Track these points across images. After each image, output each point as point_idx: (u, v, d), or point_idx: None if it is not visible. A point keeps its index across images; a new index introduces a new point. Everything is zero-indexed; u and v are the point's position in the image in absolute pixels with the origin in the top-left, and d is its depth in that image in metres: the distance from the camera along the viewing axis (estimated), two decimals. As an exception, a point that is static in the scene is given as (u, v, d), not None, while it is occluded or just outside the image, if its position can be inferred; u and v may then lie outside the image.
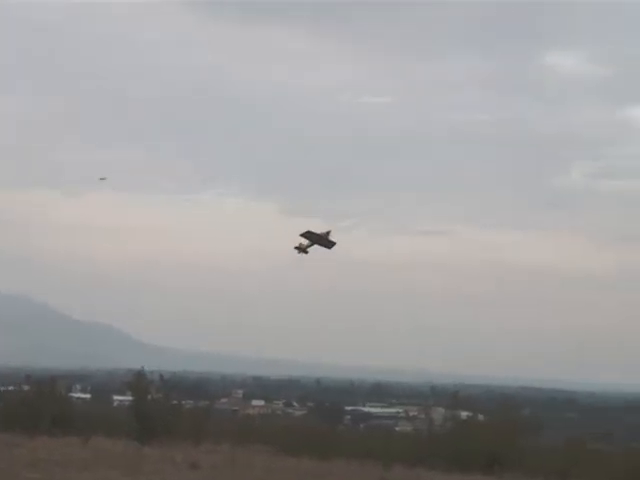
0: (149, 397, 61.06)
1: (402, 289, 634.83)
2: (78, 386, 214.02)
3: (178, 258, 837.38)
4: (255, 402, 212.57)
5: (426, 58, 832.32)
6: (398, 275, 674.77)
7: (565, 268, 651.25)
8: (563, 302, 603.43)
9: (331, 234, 60.13)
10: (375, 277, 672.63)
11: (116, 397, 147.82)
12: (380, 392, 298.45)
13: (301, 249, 61.62)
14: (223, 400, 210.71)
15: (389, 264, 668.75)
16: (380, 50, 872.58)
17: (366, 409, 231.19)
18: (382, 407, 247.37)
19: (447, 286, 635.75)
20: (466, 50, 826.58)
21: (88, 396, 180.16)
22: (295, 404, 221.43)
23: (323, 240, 61.07)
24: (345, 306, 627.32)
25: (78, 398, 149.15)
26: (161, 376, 67.77)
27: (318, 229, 64.06)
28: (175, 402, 64.22)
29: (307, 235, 60.45)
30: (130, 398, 64.04)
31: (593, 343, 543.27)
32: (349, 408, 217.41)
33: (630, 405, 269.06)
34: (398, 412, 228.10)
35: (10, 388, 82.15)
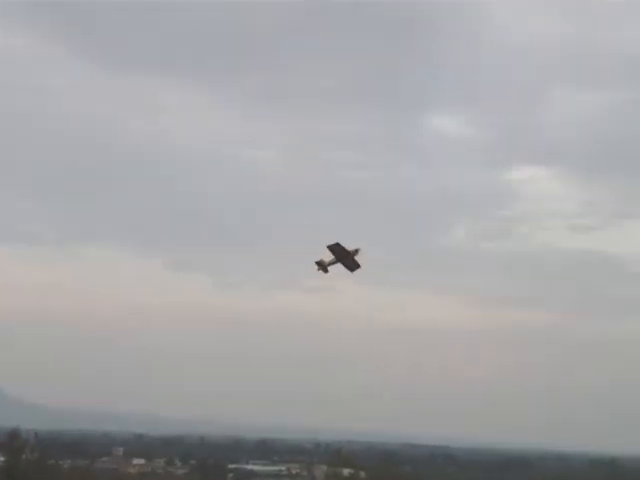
0: (23, 457, 59.53)
1: (286, 346, 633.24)
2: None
3: (57, 312, 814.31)
4: (136, 461, 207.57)
5: (312, 114, 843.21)
6: (281, 332, 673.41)
7: (445, 326, 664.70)
8: (444, 360, 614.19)
9: (359, 253, 56.89)
10: (260, 334, 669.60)
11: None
12: (264, 449, 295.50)
13: (322, 265, 58.27)
14: (104, 459, 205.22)
15: (272, 321, 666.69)
16: (268, 103, 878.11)
17: (249, 467, 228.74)
18: (265, 464, 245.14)
19: (329, 342, 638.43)
20: (353, 109, 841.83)
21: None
22: (177, 462, 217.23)
23: (349, 259, 57.23)
24: (229, 363, 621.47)
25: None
26: (36, 435, 66.15)
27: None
28: (52, 462, 62.82)
29: (334, 248, 56.81)
30: (2, 459, 62.34)
31: (474, 401, 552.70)
32: (232, 466, 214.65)
33: (510, 461, 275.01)
34: (280, 470, 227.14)
35: None
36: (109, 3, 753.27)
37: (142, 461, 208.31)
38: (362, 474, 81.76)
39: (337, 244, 57.01)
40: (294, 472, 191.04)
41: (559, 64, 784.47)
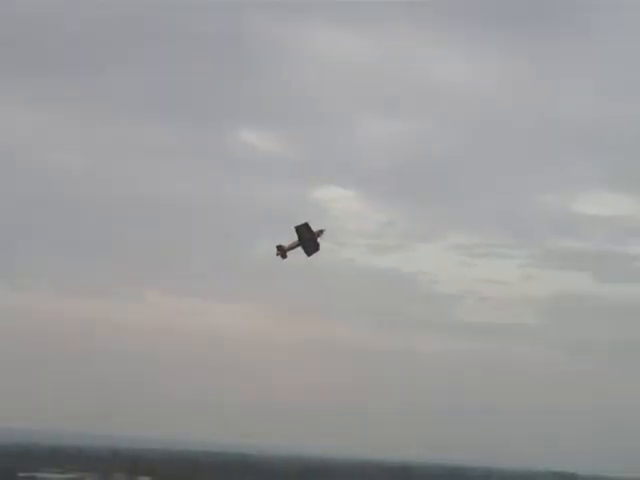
0: None
1: (84, 351, 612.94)
2: None
3: None
4: None
5: (122, 121, 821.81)
6: (80, 337, 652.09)
7: (251, 335, 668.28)
8: (247, 368, 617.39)
9: (322, 235, 57.87)
10: (56, 339, 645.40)
11: None
12: (58, 457, 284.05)
13: (282, 250, 58.81)
14: None
15: (76, 326, 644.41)
16: (76, 109, 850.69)
17: (41, 475, 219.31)
18: (59, 473, 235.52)
19: (129, 349, 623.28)
20: (163, 119, 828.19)
21: None
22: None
23: (312, 240, 57.80)
24: (19, 368, 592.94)
25: None
26: None
27: None
28: None
29: (301, 229, 56.85)
30: None
31: (276, 409, 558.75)
32: (22, 474, 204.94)
33: (310, 469, 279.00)
34: (73, 479, 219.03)
35: None
36: None
37: None
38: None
39: (306, 224, 57.17)
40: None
41: (364, 92, 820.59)
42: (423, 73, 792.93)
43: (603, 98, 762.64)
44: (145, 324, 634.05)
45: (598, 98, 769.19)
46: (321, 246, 58.85)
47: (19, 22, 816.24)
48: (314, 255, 60.41)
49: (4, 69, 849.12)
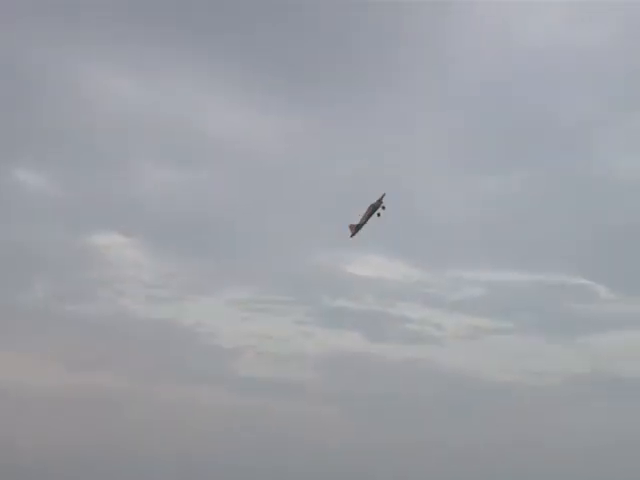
0: None
1: None
2: None
3: None
4: None
5: None
6: None
7: (26, 387, 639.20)
8: (20, 421, 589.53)
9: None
10: None
11: None
12: None
13: (357, 227, 62.61)
14: None
15: None
16: None
17: None
18: None
19: None
20: None
21: None
22: None
23: (370, 216, 62.27)
24: None
25: None
26: None
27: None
28: None
29: (378, 204, 62.16)
30: None
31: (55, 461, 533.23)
32: None
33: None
34: None
35: None
36: None
37: None
38: None
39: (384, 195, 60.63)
40: None
41: (143, 139, 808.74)
42: (199, 122, 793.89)
43: (378, 162, 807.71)
44: None
45: (373, 161, 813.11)
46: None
47: None
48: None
49: None
